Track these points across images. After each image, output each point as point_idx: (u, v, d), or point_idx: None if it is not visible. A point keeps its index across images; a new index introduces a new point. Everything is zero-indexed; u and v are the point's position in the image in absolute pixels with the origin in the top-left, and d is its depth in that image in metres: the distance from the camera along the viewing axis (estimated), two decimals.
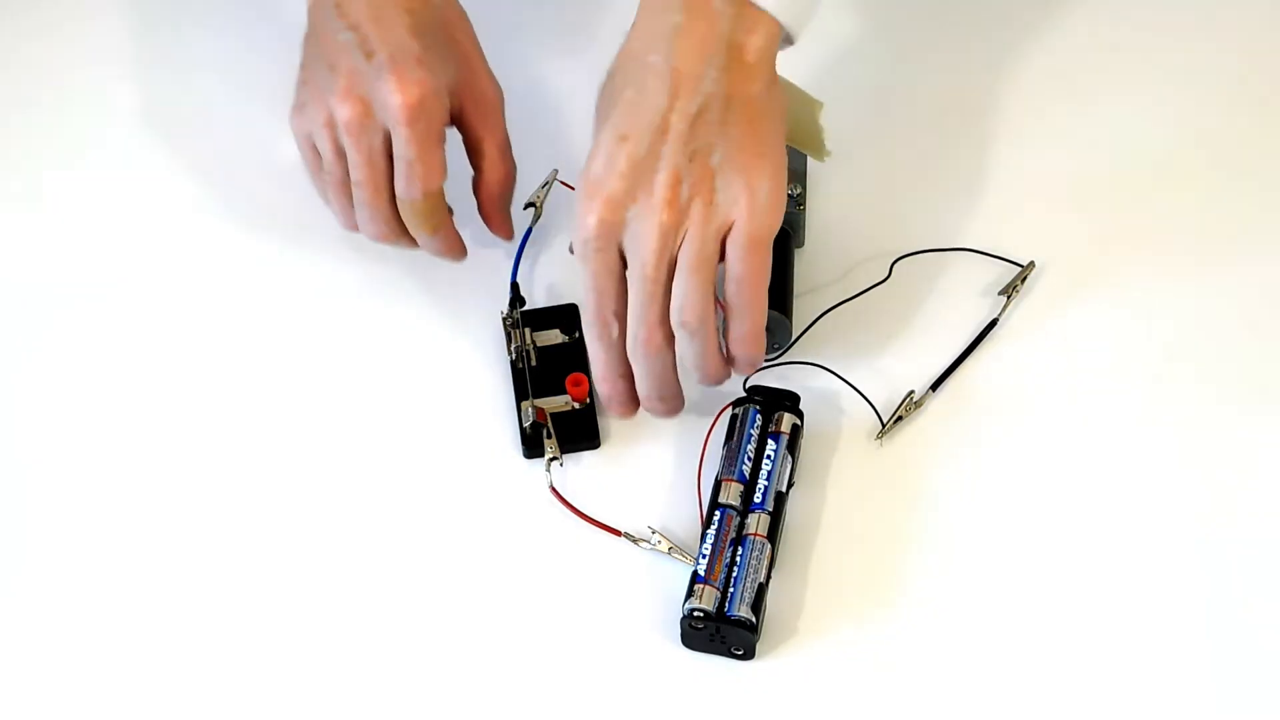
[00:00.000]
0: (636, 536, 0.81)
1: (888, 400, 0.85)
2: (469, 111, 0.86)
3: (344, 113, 0.82)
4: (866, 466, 0.83)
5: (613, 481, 0.83)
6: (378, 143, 0.83)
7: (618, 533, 0.81)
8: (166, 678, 0.78)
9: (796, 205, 0.89)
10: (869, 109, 0.96)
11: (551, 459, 0.83)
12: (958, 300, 0.89)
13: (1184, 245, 0.91)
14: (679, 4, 0.77)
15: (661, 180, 0.76)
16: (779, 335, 0.86)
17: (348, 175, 0.84)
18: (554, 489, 0.82)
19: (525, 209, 0.90)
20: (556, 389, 0.85)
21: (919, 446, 0.84)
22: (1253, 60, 0.98)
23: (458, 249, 0.87)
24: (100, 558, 0.82)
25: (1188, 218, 0.92)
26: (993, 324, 0.88)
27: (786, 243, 0.89)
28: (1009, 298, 0.88)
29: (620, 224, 0.77)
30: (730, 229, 0.77)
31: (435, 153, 0.83)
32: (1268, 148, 0.95)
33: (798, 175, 0.90)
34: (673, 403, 0.82)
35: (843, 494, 0.82)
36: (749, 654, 0.77)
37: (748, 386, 0.84)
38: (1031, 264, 0.89)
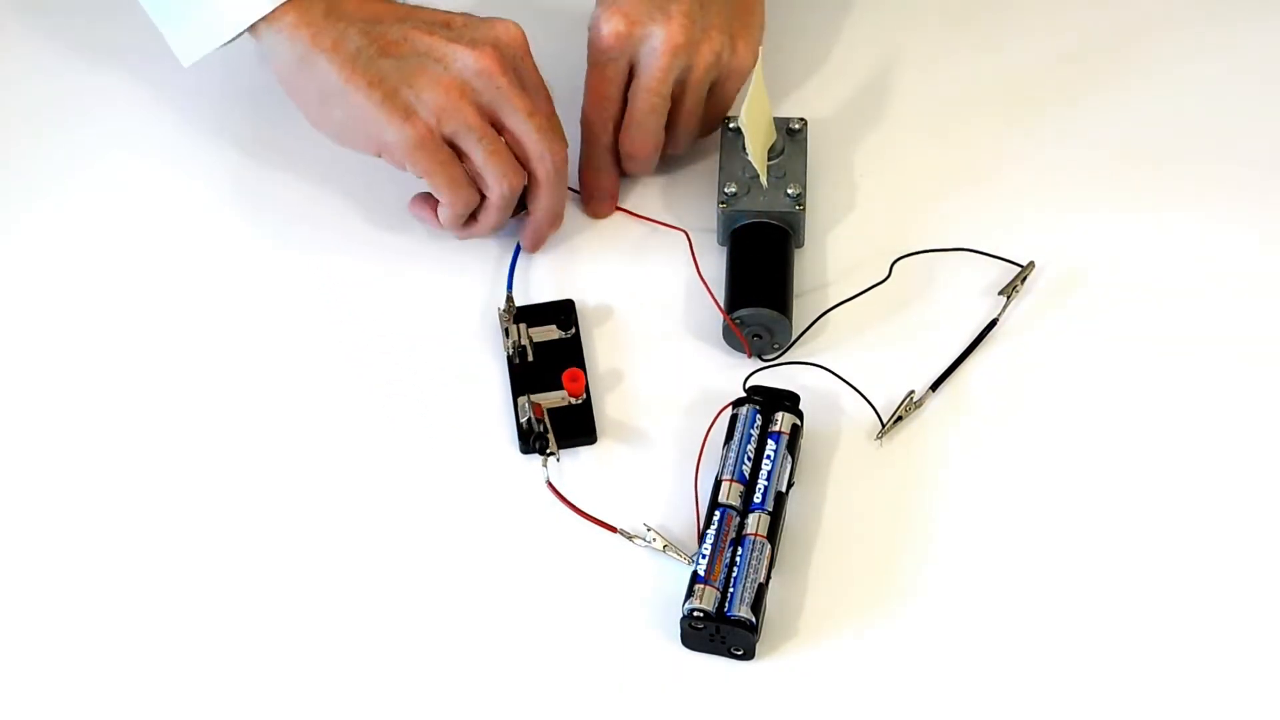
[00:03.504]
0: (632, 533, 0.80)
1: (888, 400, 0.84)
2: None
3: (470, 62, 0.82)
4: (866, 466, 0.83)
5: (609, 478, 0.83)
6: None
7: (613, 529, 0.80)
8: (165, 673, 0.77)
9: (796, 205, 0.88)
10: (869, 109, 0.96)
11: (548, 454, 0.82)
12: (958, 300, 0.88)
13: (1183, 244, 0.90)
14: None
15: (679, 8, 0.85)
16: (779, 335, 0.86)
17: (496, 146, 0.84)
18: (550, 484, 0.81)
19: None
20: (553, 384, 0.84)
21: (919, 446, 0.83)
22: (1254, 62, 0.99)
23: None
24: (97, 555, 0.81)
25: (1188, 217, 0.92)
26: (993, 324, 0.87)
27: (786, 243, 0.88)
28: (1009, 298, 0.88)
29: (634, 39, 0.85)
30: (715, 81, 0.88)
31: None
32: (1270, 147, 0.95)
33: (798, 175, 0.89)
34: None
35: (843, 494, 0.82)
36: (749, 654, 0.77)
37: (748, 386, 0.84)
38: (1031, 264, 0.89)
